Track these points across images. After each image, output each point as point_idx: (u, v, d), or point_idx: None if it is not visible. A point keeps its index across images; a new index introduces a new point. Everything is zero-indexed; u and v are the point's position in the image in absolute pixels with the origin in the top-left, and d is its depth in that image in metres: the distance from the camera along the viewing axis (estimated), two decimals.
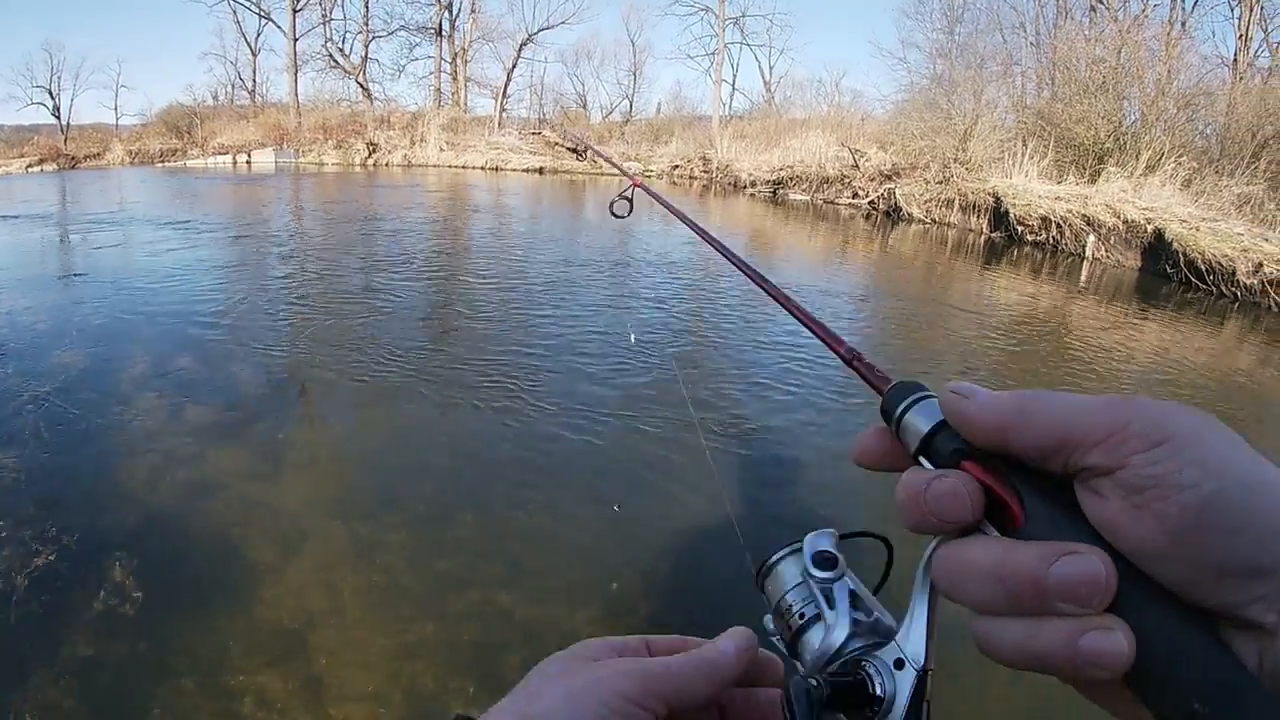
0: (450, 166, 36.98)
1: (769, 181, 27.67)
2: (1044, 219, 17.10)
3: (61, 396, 6.59)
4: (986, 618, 0.40)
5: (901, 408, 0.45)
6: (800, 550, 0.52)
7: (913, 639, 0.45)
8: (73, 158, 41.69)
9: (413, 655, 3.58)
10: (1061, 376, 7.79)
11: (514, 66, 46.60)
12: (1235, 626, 0.36)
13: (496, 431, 5.98)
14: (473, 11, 46.97)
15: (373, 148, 38.59)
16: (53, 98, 47.68)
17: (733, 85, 51.05)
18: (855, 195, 23.91)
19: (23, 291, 10.77)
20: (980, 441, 0.41)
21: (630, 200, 1.85)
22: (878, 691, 0.44)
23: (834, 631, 0.48)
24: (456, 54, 46.75)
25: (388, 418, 6.23)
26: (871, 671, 0.45)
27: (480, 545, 4.44)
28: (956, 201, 19.88)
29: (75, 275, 12.36)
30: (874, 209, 22.78)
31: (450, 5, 46.59)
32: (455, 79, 46.87)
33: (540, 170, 36.13)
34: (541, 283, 11.97)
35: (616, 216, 1.88)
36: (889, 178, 23.05)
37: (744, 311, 9.86)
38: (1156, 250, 14.56)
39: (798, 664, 0.50)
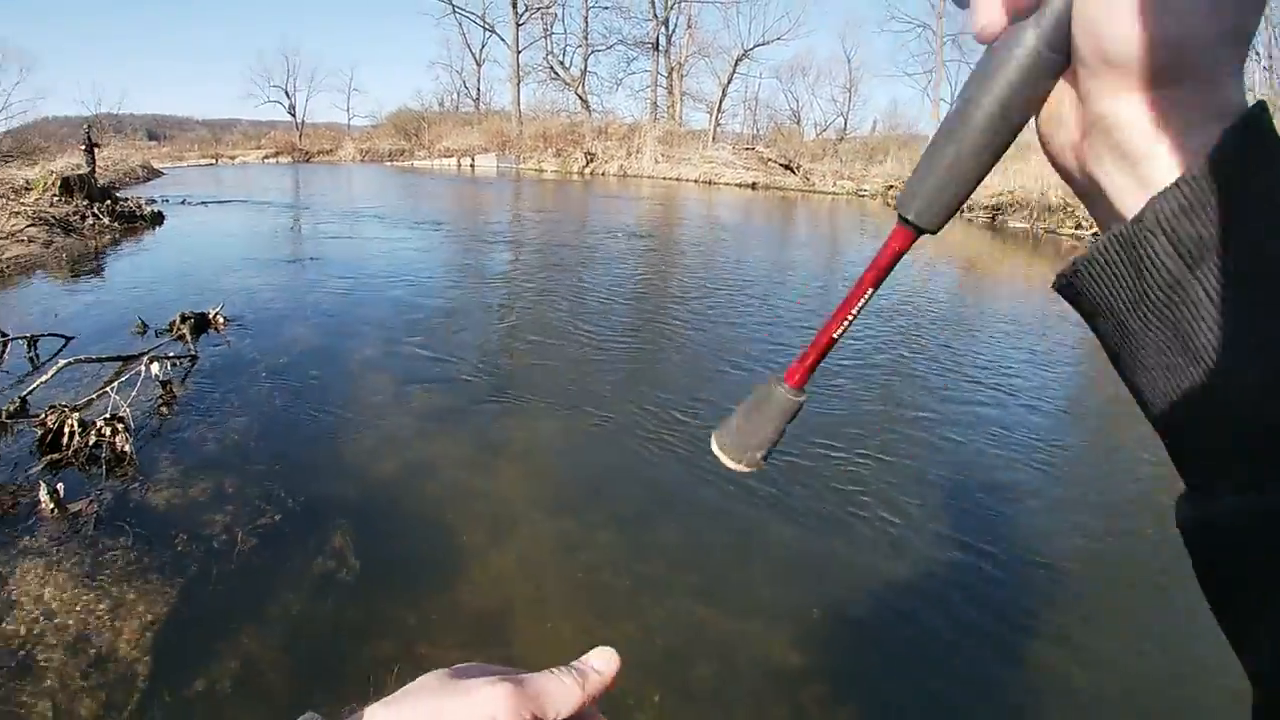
0: (664, 178, 37.19)
1: (987, 207, 26.27)
2: None
3: (294, 369, 6.83)
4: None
5: None
6: None
7: None
8: (306, 152, 45.33)
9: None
10: None
11: (729, 81, 46.68)
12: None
13: (708, 441, 5.81)
14: (689, 27, 47.56)
15: (590, 157, 39.61)
16: (289, 97, 52.22)
17: (950, 104, 49.32)
18: (1079, 226, 22.27)
19: (262, 271, 11.40)
20: None
21: None
22: None
23: None
24: (673, 68, 47.43)
25: (599, 418, 6.13)
26: None
27: (682, 554, 4.30)
28: None
29: (310, 259, 13.06)
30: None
31: (667, 21, 47.34)
32: (671, 93, 47.57)
33: (753, 185, 35.46)
34: (764, 296, 11.50)
35: None
36: None
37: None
38: None
39: None
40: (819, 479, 5.28)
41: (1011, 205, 25.31)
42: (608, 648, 0.55)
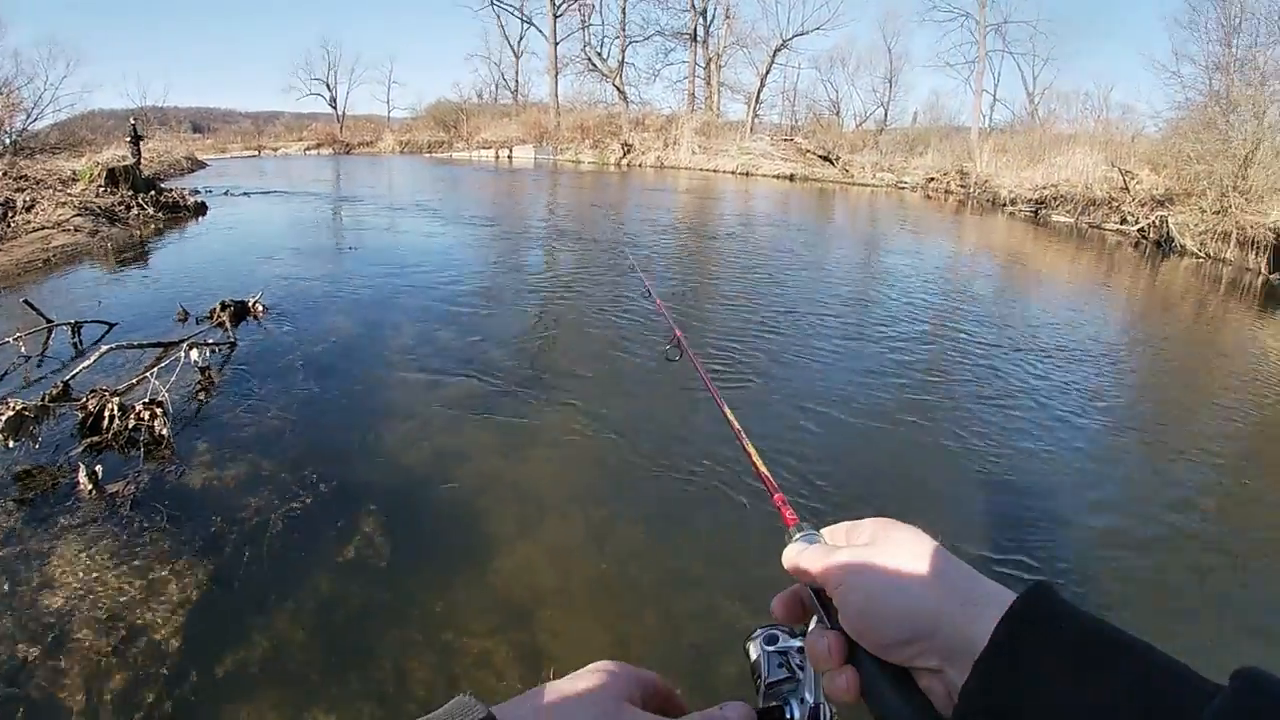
0: (701, 170, 36.97)
1: (1030, 200, 25.66)
2: None
3: (331, 356, 6.94)
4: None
5: (792, 541, 0.71)
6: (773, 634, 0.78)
7: (807, 684, 0.70)
8: (347, 144, 45.74)
9: (631, 647, 3.51)
10: None
11: (767, 72, 46.23)
12: (922, 671, 0.58)
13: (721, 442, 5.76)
14: (727, 18, 47.11)
15: (627, 148, 39.52)
16: (329, 89, 52.66)
17: (994, 95, 47.79)
18: (1124, 220, 21.34)
19: (302, 261, 11.55)
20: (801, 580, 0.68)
21: (680, 349, 1.94)
22: (788, 716, 0.69)
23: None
24: (710, 59, 47.10)
25: (632, 410, 6.12)
26: (787, 706, 0.70)
27: (712, 549, 4.29)
28: (1234, 235, 17.22)
29: (349, 249, 13.24)
30: (1143, 237, 19.79)
31: (705, 11, 46.94)
32: (709, 84, 47.26)
33: (790, 177, 35.12)
34: (792, 287, 11.49)
35: (670, 360, 2.02)
36: (1161, 204, 20.63)
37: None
38: None
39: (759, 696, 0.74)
40: (856, 481, 5.26)
41: (1055, 199, 24.91)
42: (744, 704, 0.69)
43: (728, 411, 1.20)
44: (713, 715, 0.67)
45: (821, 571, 0.64)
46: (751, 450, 0.99)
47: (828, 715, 0.69)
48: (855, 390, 6.74)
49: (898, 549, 0.62)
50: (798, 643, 0.76)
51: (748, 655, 0.78)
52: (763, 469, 0.93)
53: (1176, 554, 4.55)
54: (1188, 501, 5.19)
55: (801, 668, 0.74)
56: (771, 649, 0.77)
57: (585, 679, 0.66)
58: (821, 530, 0.73)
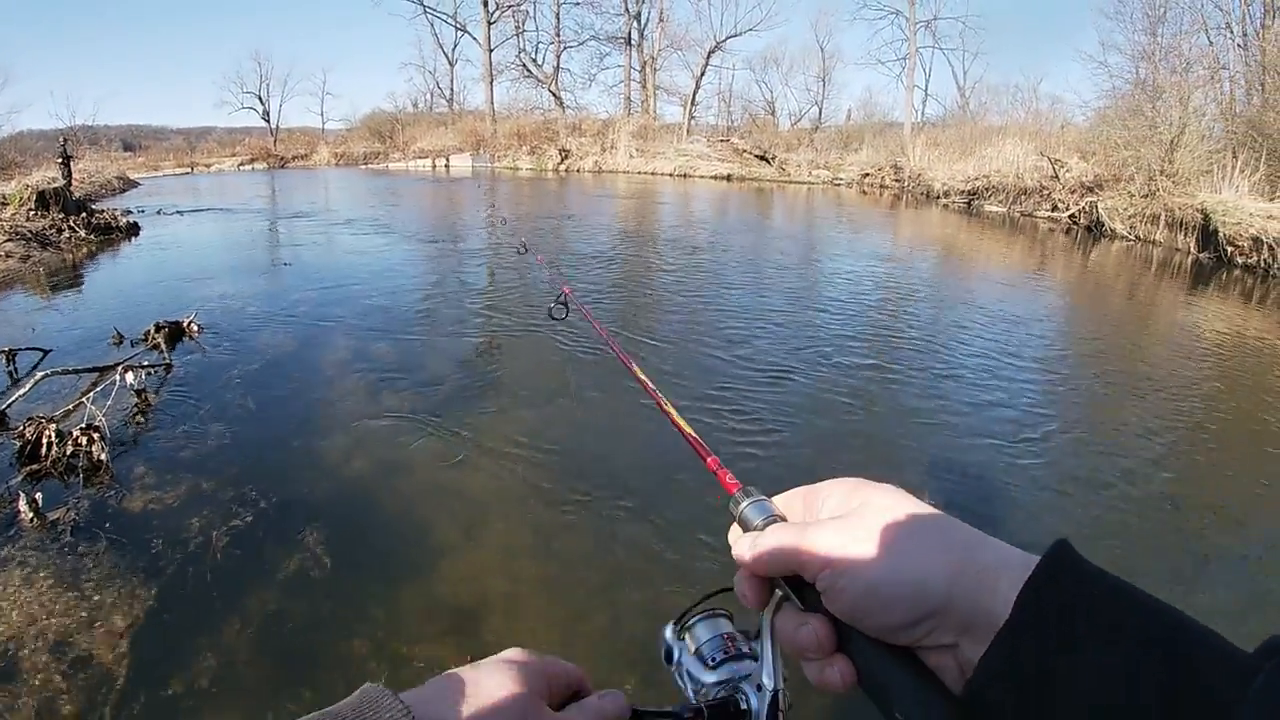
0: (639, 173, 37.24)
1: (963, 192, 26.12)
2: (1255, 240, 15.18)
3: (268, 373, 6.97)
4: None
5: (739, 512, 0.66)
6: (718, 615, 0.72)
7: (766, 668, 0.64)
8: (281, 158, 45.08)
9: (581, 645, 3.60)
10: (1271, 426, 6.84)
11: (702, 74, 46.69)
12: (931, 649, 0.54)
13: (667, 443, 5.88)
14: (661, 21, 47.53)
15: (565, 154, 39.58)
16: (262, 103, 52.00)
17: (925, 91, 48.73)
18: (1055, 208, 21.91)
19: (237, 279, 11.42)
20: (761, 575, 0.63)
21: (566, 305, 1.97)
22: (744, 706, 0.65)
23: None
24: (645, 63, 47.36)
25: (575, 412, 6.25)
26: (741, 695, 0.65)
27: (658, 545, 4.42)
28: (1162, 217, 18.00)
29: (283, 265, 13.17)
30: (1074, 223, 20.80)
31: (639, 15, 47.28)
32: (645, 87, 47.51)
33: (728, 177, 35.64)
34: (735, 282, 11.80)
35: (555, 318, 2.03)
36: (1090, 190, 21.24)
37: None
38: None
39: (686, 689, 0.69)
40: (800, 466, 5.45)
41: (987, 190, 25.50)
42: (619, 692, 0.70)
43: (637, 370, 1.13)
44: (590, 705, 0.67)
45: (799, 560, 0.58)
46: (671, 410, 0.93)
47: (785, 701, 0.64)
48: (796, 367, 6.96)
49: (886, 517, 0.57)
50: (730, 626, 0.71)
51: (668, 649, 0.72)
52: (686, 429, 0.87)
53: (1121, 521, 4.81)
54: (1136, 472, 5.52)
55: (746, 654, 0.68)
56: (707, 636, 0.69)
57: (498, 674, 0.63)
58: (774, 499, 0.66)
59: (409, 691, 0.58)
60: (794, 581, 0.60)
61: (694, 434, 0.85)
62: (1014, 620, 0.49)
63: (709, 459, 0.78)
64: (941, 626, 0.53)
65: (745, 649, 0.68)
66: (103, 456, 5.08)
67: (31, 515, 4.41)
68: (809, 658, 0.59)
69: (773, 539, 0.61)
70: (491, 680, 0.61)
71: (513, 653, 0.67)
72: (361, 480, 5.09)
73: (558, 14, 47.84)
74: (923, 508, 0.57)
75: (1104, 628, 0.47)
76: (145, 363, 6.88)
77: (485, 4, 46.20)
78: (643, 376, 1.07)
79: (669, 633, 0.72)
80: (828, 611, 0.57)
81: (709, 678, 0.67)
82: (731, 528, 0.66)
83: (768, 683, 0.63)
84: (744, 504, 0.65)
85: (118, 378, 6.13)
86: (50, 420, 5.28)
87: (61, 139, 19.44)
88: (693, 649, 0.70)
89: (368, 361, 7.37)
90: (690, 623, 0.71)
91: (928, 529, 0.56)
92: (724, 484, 0.71)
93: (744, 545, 0.63)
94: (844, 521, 0.58)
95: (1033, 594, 0.49)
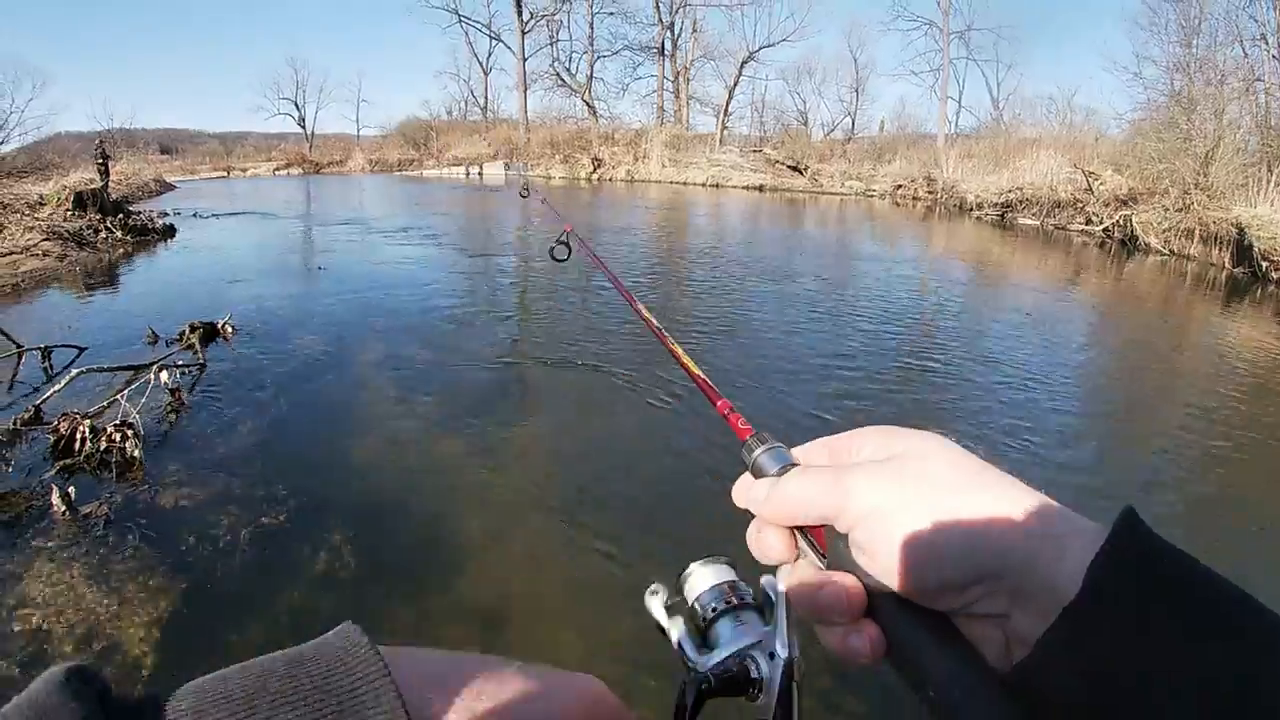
0: (671, 182, 37.40)
1: (996, 204, 25.95)
2: None
3: (299, 375, 7.03)
4: (816, 623, 0.53)
5: (753, 460, 0.59)
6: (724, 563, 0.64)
7: (779, 635, 0.56)
8: (316, 163, 45.66)
9: (604, 653, 3.57)
10: None
11: (735, 84, 46.74)
12: (976, 617, 0.48)
13: (709, 440, 5.88)
14: (694, 31, 47.70)
15: (598, 163, 39.82)
16: (298, 109, 52.81)
17: (959, 102, 48.58)
18: (1089, 221, 21.69)
19: (271, 282, 11.60)
20: (778, 525, 0.56)
21: (568, 245, 1.88)
22: (754, 675, 0.56)
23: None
24: (679, 72, 47.52)
25: (603, 419, 6.23)
26: (750, 662, 0.56)
27: (685, 555, 4.38)
28: (1197, 231, 17.63)
29: (318, 269, 13.30)
30: (1108, 237, 20.37)
31: (672, 25, 47.47)
32: (678, 97, 47.66)
33: (760, 188, 35.64)
34: (758, 294, 11.72)
35: (557, 260, 1.92)
36: (1125, 203, 21.00)
37: None
38: None
39: (688, 657, 0.59)
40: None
41: (1020, 202, 25.31)
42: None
43: (641, 309, 1.05)
44: (560, 677, 0.49)
45: (833, 506, 0.51)
46: (677, 350, 0.85)
47: (799, 671, 0.56)
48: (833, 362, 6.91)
49: (938, 462, 0.50)
50: (732, 574, 0.62)
51: (664, 616, 0.62)
52: (695, 370, 0.79)
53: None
54: (1157, 485, 5.42)
55: (750, 604, 0.60)
56: (704, 586, 0.62)
57: (561, 701, 0.47)
58: (792, 450, 0.59)
59: (409, 649, 0.46)
60: (814, 535, 0.54)
61: (702, 375, 0.77)
62: (1083, 599, 0.42)
63: (719, 402, 0.71)
64: (995, 592, 0.46)
65: (750, 599, 0.60)
66: (136, 453, 5.11)
67: (64, 509, 4.44)
68: (833, 622, 0.51)
69: (800, 481, 0.54)
70: (542, 698, 0.46)
71: (584, 680, 0.50)
72: (390, 482, 5.09)
73: (591, 23, 48.20)
74: (973, 458, 0.51)
75: (1181, 621, 0.40)
76: (180, 362, 6.95)
77: (520, 13, 46.65)
78: (647, 315, 0.98)
79: (659, 600, 0.63)
80: (857, 569, 0.51)
81: (712, 654, 0.58)
82: (741, 478, 0.59)
83: (781, 650, 0.56)
84: (758, 451, 0.58)
85: (152, 376, 6.18)
86: (85, 416, 5.33)
87: (99, 141, 19.75)
88: (690, 606, 0.62)
89: (400, 365, 7.39)
90: (686, 574, 0.64)
91: (986, 479, 0.49)
92: (735, 429, 0.63)
93: (761, 489, 0.56)
94: (887, 464, 0.51)
95: (1105, 571, 0.42)
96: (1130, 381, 8.34)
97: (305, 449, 5.57)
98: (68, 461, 5.06)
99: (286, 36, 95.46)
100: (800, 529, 0.55)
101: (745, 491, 0.58)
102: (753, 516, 0.58)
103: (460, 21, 49.57)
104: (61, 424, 5.25)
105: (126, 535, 4.29)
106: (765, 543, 0.57)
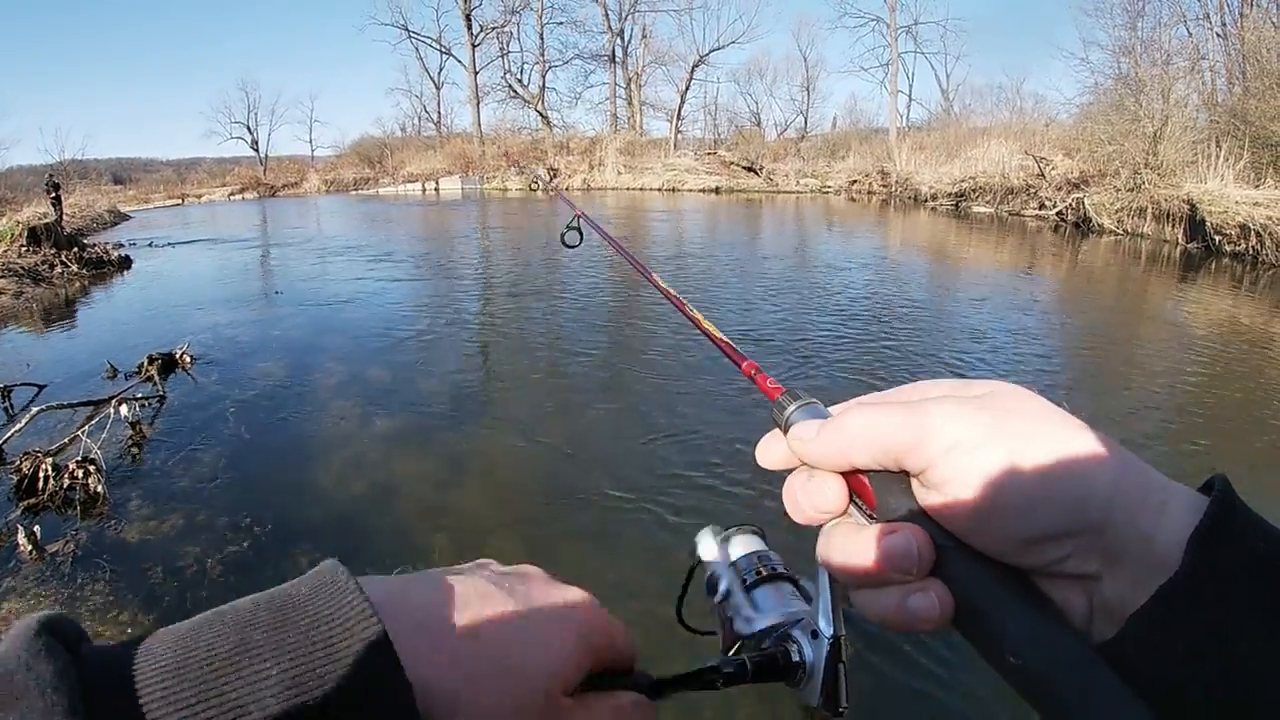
0: (628, 189, 37.61)
1: (950, 194, 26.30)
2: (1242, 227, 15.21)
3: (261, 401, 7.05)
4: (860, 590, 0.47)
5: (786, 418, 0.51)
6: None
7: (822, 612, 0.51)
8: (271, 186, 45.20)
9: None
10: (1266, 414, 6.86)
11: (687, 88, 47.02)
12: (1062, 577, 0.42)
13: (659, 448, 5.92)
14: (644, 37, 47.93)
15: (553, 173, 39.88)
16: (250, 132, 52.27)
17: (909, 96, 49.14)
18: (1042, 206, 22.05)
19: (229, 309, 11.54)
20: (829, 469, 0.48)
21: (579, 230, 1.88)
22: (795, 658, 0.51)
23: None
24: (630, 79, 47.72)
25: (565, 431, 6.30)
26: (792, 644, 0.52)
27: (648, 559, 4.45)
28: (1149, 210, 18.17)
29: (275, 293, 13.21)
30: (1062, 220, 21.14)
31: (622, 32, 47.69)
32: (630, 103, 47.85)
33: (717, 190, 35.98)
34: (741, 297, 11.83)
35: (568, 246, 1.90)
36: (1077, 186, 21.31)
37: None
38: None
39: (736, 613, 0.57)
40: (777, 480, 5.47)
41: (974, 191, 25.68)
42: None
43: (656, 278, 1.03)
44: (550, 592, 0.53)
45: (906, 441, 0.44)
46: (697, 315, 0.81)
47: (847, 650, 0.51)
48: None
49: (1027, 403, 0.44)
50: (762, 544, 0.61)
51: (713, 576, 0.61)
52: (716, 333, 0.73)
53: None
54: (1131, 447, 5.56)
55: (783, 574, 0.58)
56: (756, 564, 0.58)
57: (546, 619, 0.48)
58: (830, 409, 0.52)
59: (396, 584, 0.46)
60: (859, 491, 0.47)
61: (725, 338, 0.72)
62: (1185, 573, 0.38)
63: (744, 364, 0.65)
64: (1089, 548, 0.41)
65: (782, 569, 0.57)
66: (99, 489, 5.15)
67: (30, 548, 4.48)
68: (893, 581, 0.44)
69: (867, 412, 0.46)
70: (535, 620, 0.47)
71: (574, 593, 0.53)
72: (355, 503, 5.14)
73: (541, 34, 48.19)
74: (1057, 408, 0.45)
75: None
76: (139, 395, 6.97)
77: (469, 26, 46.56)
78: (664, 286, 0.97)
79: (710, 544, 0.61)
80: (918, 520, 0.44)
81: (755, 619, 0.56)
82: (766, 436, 0.53)
83: (825, 628, 0.50)
84: (791, 408, 0.51)
85: (112, 411, 6.20)
86: (47, 454, 5.36)
87: (49, 174, 19.55)
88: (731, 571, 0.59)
89: (361, 385, 7.44)
90: (728, 535, 0.60)
91: (1077, 425, 0.43)
92: (764, 389, 0.57)
93: (809, 429, 0.48)
94: (968, 400, 0.44)
95: (1214, 544, 0.39)
96: (1094, 355, 8.59)
97: (269, 475, 5.62)
98: (32, 501, 5.10)
99: (239, 58, 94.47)
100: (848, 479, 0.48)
101: (779, 442, 0.51)
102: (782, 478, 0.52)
103: (410, 37, 49.41)
104: (24, 463, 5.28)
105: (94, 571, 4.34)
106: (817, 491, 0.48)
